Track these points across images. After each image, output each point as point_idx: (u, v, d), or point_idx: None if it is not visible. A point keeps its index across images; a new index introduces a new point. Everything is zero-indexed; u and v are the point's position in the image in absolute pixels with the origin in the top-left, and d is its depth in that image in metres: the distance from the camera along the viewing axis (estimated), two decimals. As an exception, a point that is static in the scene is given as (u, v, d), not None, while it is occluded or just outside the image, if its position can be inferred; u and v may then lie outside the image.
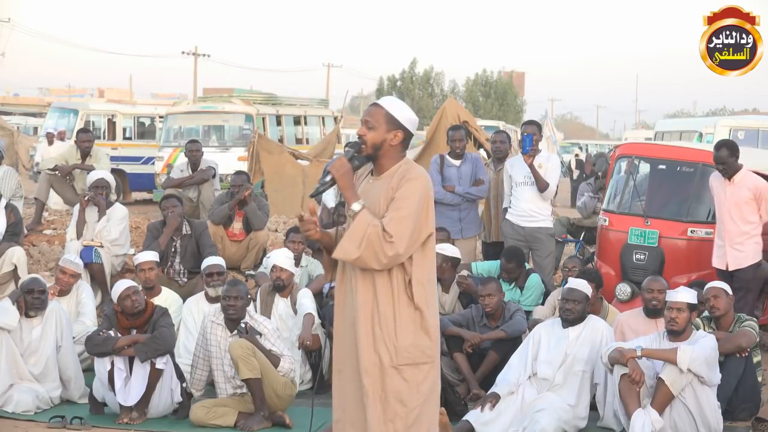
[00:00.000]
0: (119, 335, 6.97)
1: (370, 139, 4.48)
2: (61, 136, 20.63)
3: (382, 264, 4.34)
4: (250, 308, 7.35)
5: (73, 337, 7.67)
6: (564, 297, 7.28)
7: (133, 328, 7.06)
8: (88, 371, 7.57)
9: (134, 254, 10.25)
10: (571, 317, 7.16)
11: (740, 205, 8.40)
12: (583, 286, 7.30)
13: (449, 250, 8.58)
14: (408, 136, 4.54)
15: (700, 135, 18.50)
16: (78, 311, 8.28)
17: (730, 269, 8.38)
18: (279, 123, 20.99)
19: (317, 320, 7.90)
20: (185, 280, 9.48)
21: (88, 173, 10.65)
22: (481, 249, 10.68)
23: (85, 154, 11.48)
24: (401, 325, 4.43)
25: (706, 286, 7.66)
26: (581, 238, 12.00)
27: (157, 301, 7.89)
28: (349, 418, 4.55)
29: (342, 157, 4.51)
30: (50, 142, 20.40)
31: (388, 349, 4.44)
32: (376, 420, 4.45)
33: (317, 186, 4.51)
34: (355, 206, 4.40)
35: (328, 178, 4.47)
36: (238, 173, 10.67)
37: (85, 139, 11.52)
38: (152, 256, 8.62)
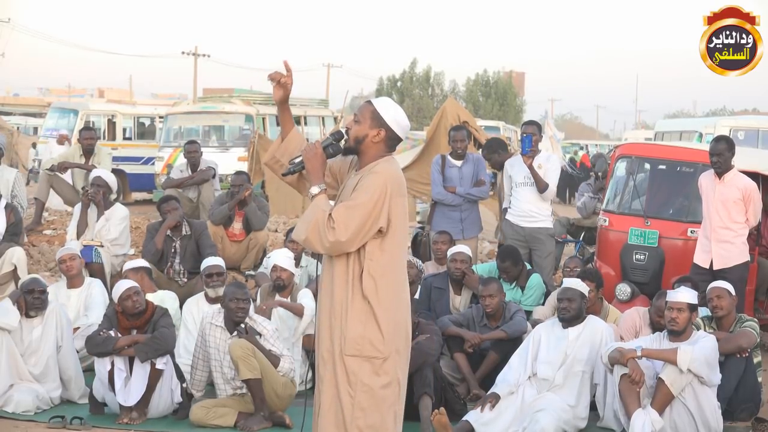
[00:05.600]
0: (119, 335, 6.97)
1: (353, 132, 4.60)
2: (62, 140, 20.37)
3: (325, 248, 4.46)
4: (250, 309, 7.35)
5: (76, 327, 7.70)
6: (559, 297, 7.31)
7: (133, 328, 7.06)
8: (89, 371, 7.56)
9: (134, 255, 10.27)
10: (567, 316, 7.17)
11: (728, 204, 8.39)
12: (578, 284, 7.31)
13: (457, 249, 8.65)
14: (392, 136, 4.60)
15: (700, 135, 18.48)
16: (87, 305, 8.30)
17: (715, 268, 8.36)
18: (279, 123, 20.98)
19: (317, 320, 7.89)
20: (185, 280, 9.48)
21: (88, 173, 10.68)
22: (496, 249, 10.67)
23: (89, 151, 11.59)
24: (352, 316, 4.51)
25: (710, 286, 7.66)
26: (581, 238, 12.01)
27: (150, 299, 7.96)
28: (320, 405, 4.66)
29: (317, 142, 4.65)
30: (61, 143, 20.12)
31: (339, 338, 4.53)
32: (327, 407, 4.55)
33: (288, 166, 4.68)
34: (314, 189, 4.54)
35: (297, 160, 4.64)
36: (238, 173, 10.67)
37: (88, 136, 11.70)
38: (141, 262, 8.67)
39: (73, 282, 8.40)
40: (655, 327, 7.49)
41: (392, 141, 4.62)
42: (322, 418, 4.56)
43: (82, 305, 8.31)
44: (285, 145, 4.84)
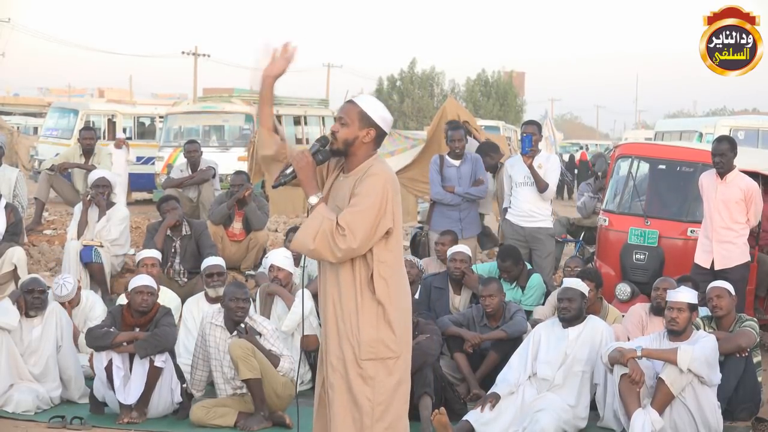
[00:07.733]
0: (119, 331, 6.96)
1: (342, 135, 4.53)
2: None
3: (336, 257, 4.40)
4: (250, 308, 7.35)
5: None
6: (559, 297, 7.31)
7: (136, 326, 7.05)
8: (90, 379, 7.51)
9: (134, 254, 10.27)
10: (568, 316, 7.18)
11: (729, 204, 8.40)
12: (577, 284, 7.32)
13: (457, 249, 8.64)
14: (381, 134, 4.58)
15: (700, 135, 18.51)
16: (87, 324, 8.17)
17: (716, 268, 8.37)
18: (279, 123, 20.91)
19: (315, 320, 7.90)
20: (185, 280, 9.47)
21: (88, 173, 10.68)
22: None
23: (88, 152, 11.59)
24: (364, 320, 4.47)
25: (709, 286, 7.66)
26: (581, 238, 12.01)
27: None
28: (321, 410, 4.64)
29: (305, 150, 4.58)
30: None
31: (352, 344, 4.48)
32: (342, 415, 4.50)
33: (280, 178, 4.59)
34: (312, 199, 4.48)
35: (288, 171, 4.56)
36: (238, 173, 10.68)
37: (87, 136, 11.71)
38: (155, 253, 8.69)
39: (71, 302, 8.19)
40: (654, 309, 7.64)
41: (380, 138, 4.59)
42: (336, 425, 4.50)
43: (81, 324, 8.12)
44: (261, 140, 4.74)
